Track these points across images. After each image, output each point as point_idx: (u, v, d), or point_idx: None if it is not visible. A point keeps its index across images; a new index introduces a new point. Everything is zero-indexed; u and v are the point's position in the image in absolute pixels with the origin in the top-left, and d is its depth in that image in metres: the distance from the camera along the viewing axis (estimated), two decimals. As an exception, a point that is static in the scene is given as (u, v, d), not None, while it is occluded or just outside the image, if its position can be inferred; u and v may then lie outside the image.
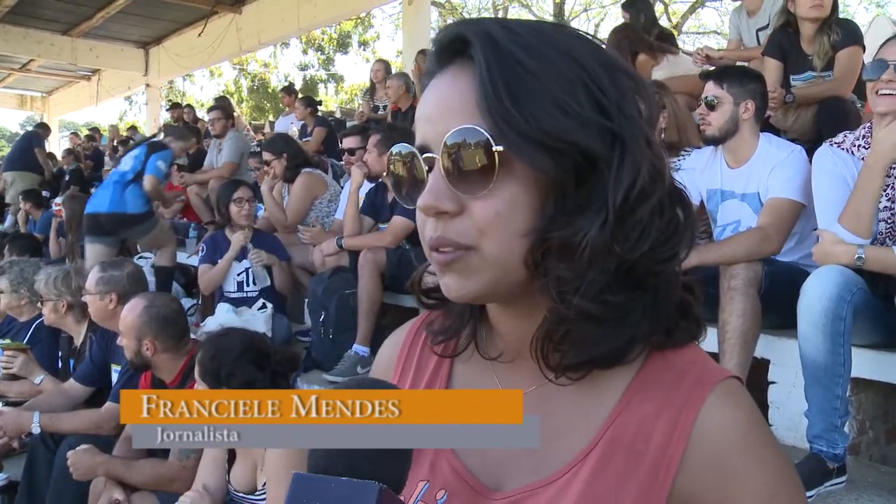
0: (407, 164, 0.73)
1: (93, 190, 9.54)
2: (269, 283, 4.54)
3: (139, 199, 5.60)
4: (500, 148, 0.65)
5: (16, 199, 9.36)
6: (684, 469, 0.68)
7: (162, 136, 6.14)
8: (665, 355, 0.73)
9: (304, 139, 7.88)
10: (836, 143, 2.55)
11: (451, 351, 0.84)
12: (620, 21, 6.03)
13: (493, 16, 21.39)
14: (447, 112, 0.69)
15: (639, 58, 4.89)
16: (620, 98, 0.68)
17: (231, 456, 2.54)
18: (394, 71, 8.60)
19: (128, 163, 5.69)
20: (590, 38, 0.72)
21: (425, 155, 0.70)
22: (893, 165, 2.45)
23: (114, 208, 5.54)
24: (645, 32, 5.18)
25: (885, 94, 2.37)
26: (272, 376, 2.41)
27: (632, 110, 0.68)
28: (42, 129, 11.70)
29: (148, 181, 5.57)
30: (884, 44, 2.48)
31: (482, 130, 0.66)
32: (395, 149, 0.74)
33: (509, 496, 0.74)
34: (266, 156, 5.30)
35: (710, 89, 2.96)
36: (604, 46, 0.72)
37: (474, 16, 21.38)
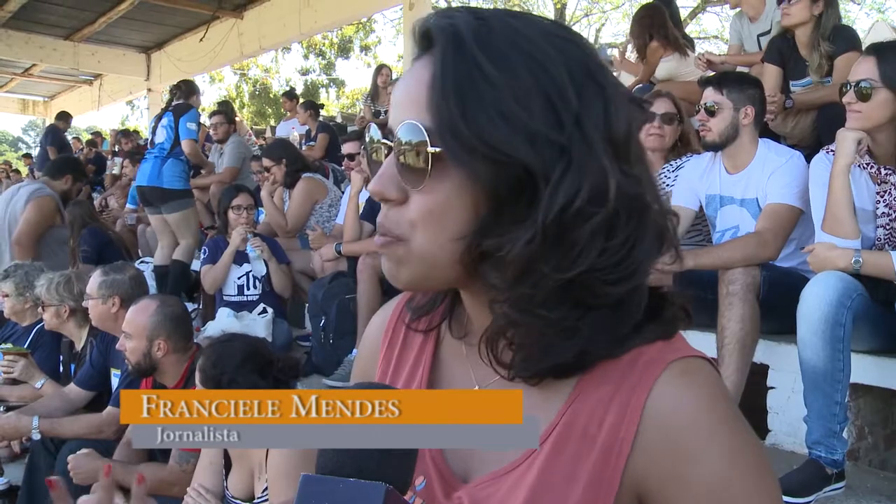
0: (374, 148, 0.74)
1: (95, 193, 9.59)
2: (265, 271, 4.55)
3: (177, 175, 5.75)
4: (435, 149, 0.65)
5: None
6: (636, 451, 0.67)
7: (176, 98, 6.22)
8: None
9: (307, 144, 7.91)
10: (831, 150, 2.56)
11: (425, 326, 0.85)
12: (619, 28, 6.01)
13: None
14: (407, 101, 0.69)
15: (652, 43, 4.88)
16: (582, 111, 0.65)
17: (227, 463, 2.54)
18: (394, 75, 8.62)
19: (161, 134, 5.80)
20: (576, 41, 0.69)
21: (383, 141, 0.72)
22: (891, 173, 2.46)
23: (152, 182, 5.71)
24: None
25: (853, 112, 2.43)
26: (274, 383, 2.41)
27: (591, 126, 0.65)
28: (61, 122, 11.61)
29: (187, 145, 5.73)
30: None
31: (422, 129, 0.66)
32: (369, 131, 0.75)
33: (472, 486, 0.74)
34: (266, 162, 5.32)
35: (710, 95, 2.97)
36: (589, 51, 0.70)
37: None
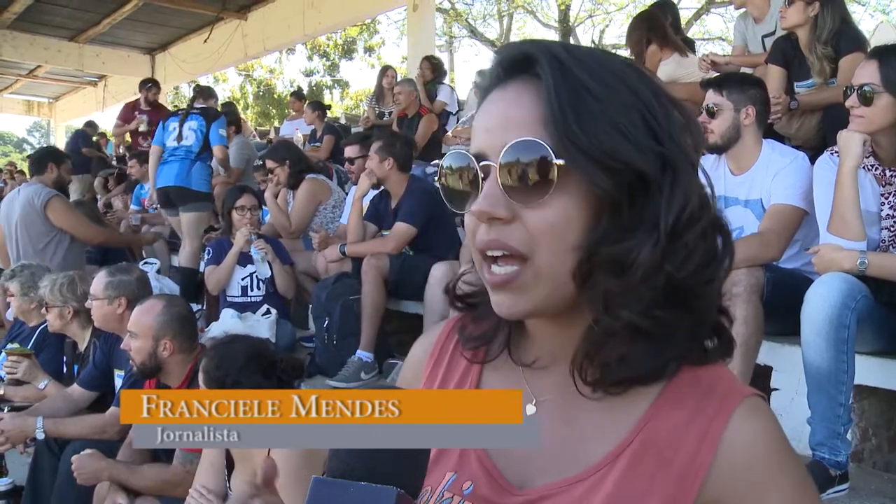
0: (462, 171, 0.75)
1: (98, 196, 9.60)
2: (269, 274, 4.55)
3: (204, 178, 5.97)
4: (560, 161, 0.69)
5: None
6: (711, 477, 0.70)
7: (200, 101, 6.39)
8: (695, 370, 0.75)
9: (312, 144, 7.92)
10: (835, 151, 2.55)
11: (482, 358, 0.87)
12: (622, 30, 6.01)
13: (497, 22, 21.46)
14: (508, 124, 0.72)
15: (650, 47, 4.87)
16: (671, 126, 0.72)
17: (230, 463, 2.54)
18: (399, 76, 8.62)
19: (190, 136, 5.90)
20: (638, 67, 0.75)
21: (482, 163, 0.73)
22: (894, 175, 2.46)
23: (180, 182, 5.84)
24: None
25: (856, 117, 2.43)
26: (278, 383, 2.40)
27: (681, 139, 0.72)
28: (89, 128, 11.69)
29: (219, 151, 5.95)
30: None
31: (544, 144, 0.69)
32: (450, 155, 0.77)
33: (534, 493, 0.76)
34: (269, 164, 5.33)
35: (711, 97, 2.97)
36: (655, 79, 0.76)
37: (479, 22, 21.46)
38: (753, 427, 0.72)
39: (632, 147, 0.69)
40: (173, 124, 6.02)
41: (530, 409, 0.80)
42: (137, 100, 9.02)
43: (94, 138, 11.81)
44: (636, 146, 0.69)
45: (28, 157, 7.22)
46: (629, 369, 0.73)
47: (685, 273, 0.70)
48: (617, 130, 0.69)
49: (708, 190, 0.74)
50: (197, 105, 6.21)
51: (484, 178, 0.72)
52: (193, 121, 5.94)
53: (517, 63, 0.73)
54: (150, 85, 8.87)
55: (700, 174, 0.74)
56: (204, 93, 6.55)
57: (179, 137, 5.90)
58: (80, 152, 10.34)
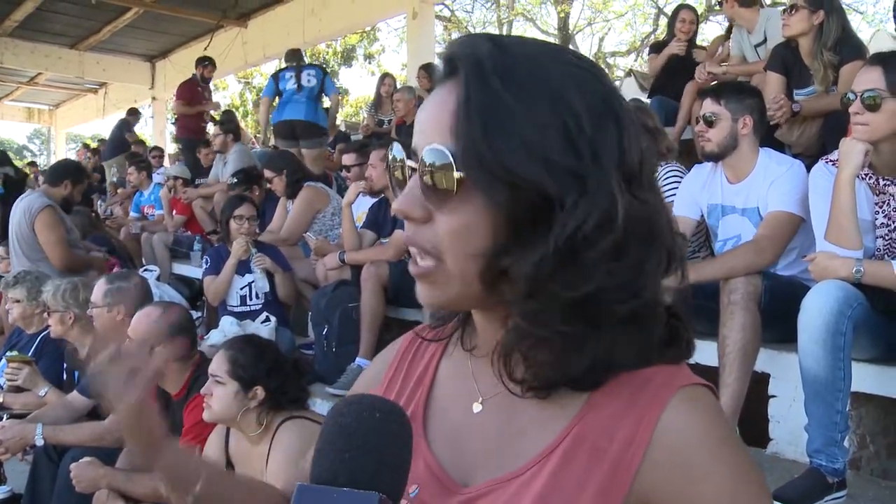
0: (397, 167, 0.78)
1: (100, 202, 9.62)
2: (268, 289, 4.55)
3: (324, 117, 7.31)
4: (460, 174, 0.69)
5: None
6: (645, 468, 0.69)
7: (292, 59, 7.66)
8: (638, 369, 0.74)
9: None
10: (831, 160, 2.56)
11: (440, 352, 0.91)
12: (622, 37, 6.04)
13: (497, 30, 21.49)
14: (432, 125, 0.72)
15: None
16: (598, 141, 0.69)
17: (229, 468, 2.55)
18: (398, 84, 8.65)
19: (310, 80, 7.14)
20: (594, 73, 0.73)
21: (408, 162, 0.75)
22: (889, 184, 2.47)
23: (310, 117, 7.08)
24: None
25: (860, 125, 2.41)
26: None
27: (606, 155, 0.69)
28: (132, 116, 11.74)
29: (335, 99, 7.73)
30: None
31: (448, 154, 0.69)
32: (392, 150, 0.79)
33: (474, 491, 0.76)
34: (267, 173, 5.35)
35: (708, 106, 2.98)
36: (606, 83, 0.73)
37: (479, 30, 21.49)
38: (687, 416, 0.70)
39: (538, 165, 0.67)
40: (289, 75, 7.23)
41: (476, 406, 0.81)
42: (193, 77, 9.10)
43: (94, 145, 11.94)
44: (544, 165, 0.67)
45: (51, 166, 7.27)
46: (542, 376, 0.73)
47: (581, 292, 0.68)
48: (524, 146, 0.67)
49: (627, 206, 0.69)
50: (290, 62, 7.53)
51: (410, 176, 0.74)
52: (312, 70, 7.30)
53: (448, 63, 0.73)
54: (206, 63, 9.11)
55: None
56: (297, 53, 7.82)
57: (299, 85, 7.08)
58: (124, 139, 10.78)
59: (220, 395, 2.46)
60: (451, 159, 0.69)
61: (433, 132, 0.72)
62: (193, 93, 8.91)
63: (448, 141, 0.70)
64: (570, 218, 0.67)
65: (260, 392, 2.45)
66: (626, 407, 0.72)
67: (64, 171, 5.70)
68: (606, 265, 0.69)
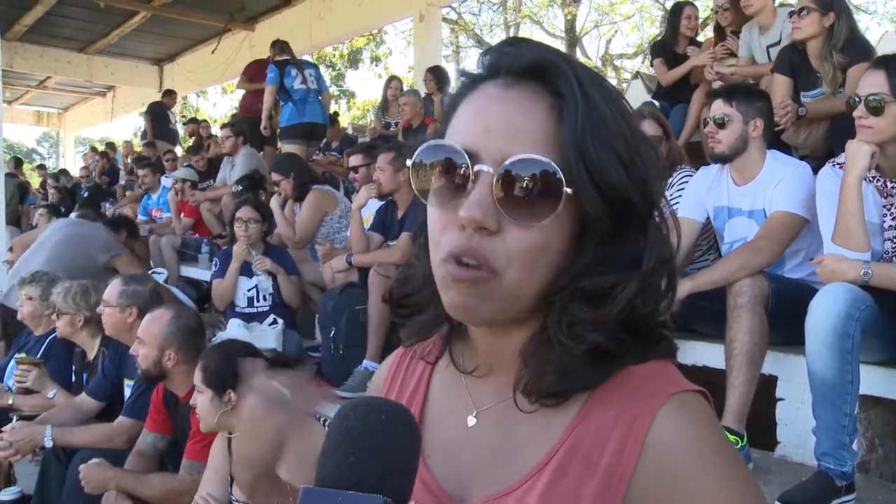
0: (447, 165, 0.70)
1: (108, 205, 9.65)
2: (272, 290, 4.56)
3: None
4: (569, 190, 0.67)
5: None
6: (636, 478, 0.69)
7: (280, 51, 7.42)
8: (628, 369, 0.74)
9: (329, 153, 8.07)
10: (837, 163, 2.55)
11: (429, 359, 0.87)
12: (629, 40, 5.97)
13: (504, 33, 21.47)
14: (513, 132, 0.68)
15: None
16: (650, 167, 0.72)
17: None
18: (405, 87, 8.65)
19: (313, 81, 7.12)
20: (621, 93, 0.75)
21: (476, 167, 0.68)
22: (895, 185, 2.46)
23: (325, 120, 7.32)
24: None
25: (864, 128, 2.40)
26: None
27: (656, 182, 0.73)
28: (167, 98, 11.63)
29: (328, 96, 7.67)
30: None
31: (557, 168, 0.67)
32: (431, 147, 0.71)
33: None
34: (275, 177, 5.36)
35: (720, 107, 2.97)
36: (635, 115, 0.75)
37: (486, 32, 21.49)
38: (676, 425, 0.69)
39: (632, 184, 0.68)
40: (294, 72, 7.05)
41: (471, 420, 0.80)
42: (267, 59, 8.91)
43: (119, 144, 11.94)
44: (635, 183, 0.69)
45: (112, 216, 7.39)
46: (570, 381, 0.72)
47: (649, 308, 0.72)
48: (622, 163, 0.68)
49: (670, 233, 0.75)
50: (284, 56, 7.26)
51: (474, 181, 0.68)
52: (311, 69, 7.25)
53: (531, 68, 0.69)
54: (281, 45, 9.04)
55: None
56: (287, 45, 7.46)
57: (305, 81, 7.01)
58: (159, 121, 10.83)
59: (200, 404, 2.52)
60: (558, 171, 0.66)
61: (517, 139, 0.67)
62: (256, 71, 8.59)
63: (545, 151, 0.67)
64: (658, 239, 0.72)
65: (233, 395, 2.48)
66: (616, 417, 0.71)
67: (121, 225, 6.22)
68: (664, 283, 0.74)
